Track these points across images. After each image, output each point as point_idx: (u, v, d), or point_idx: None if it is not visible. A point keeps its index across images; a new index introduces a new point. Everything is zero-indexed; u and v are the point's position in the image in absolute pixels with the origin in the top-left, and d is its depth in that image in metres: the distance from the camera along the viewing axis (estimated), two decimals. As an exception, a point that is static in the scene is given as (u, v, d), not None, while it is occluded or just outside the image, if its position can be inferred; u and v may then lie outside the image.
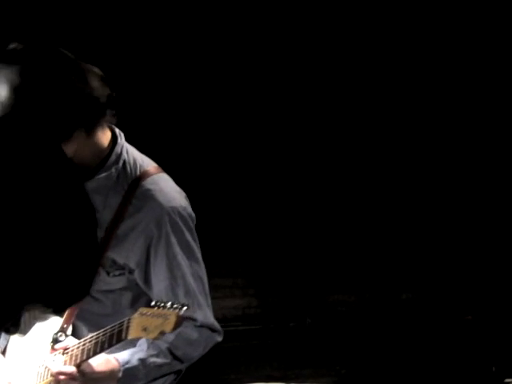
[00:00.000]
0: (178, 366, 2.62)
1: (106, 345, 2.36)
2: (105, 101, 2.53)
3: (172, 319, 2.23)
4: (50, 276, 2.62)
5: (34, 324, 2.67)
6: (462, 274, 7.84)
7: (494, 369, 6.38)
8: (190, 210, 2.68)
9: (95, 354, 2.39)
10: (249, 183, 7.55)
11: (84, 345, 2.43)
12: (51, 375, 2.47)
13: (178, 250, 2.59)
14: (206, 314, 2.63)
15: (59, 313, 2.63)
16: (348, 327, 7.56)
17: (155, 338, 2.27)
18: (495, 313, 7.36)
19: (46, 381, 2.54)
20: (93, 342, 2.39)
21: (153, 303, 2.27)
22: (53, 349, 2.54)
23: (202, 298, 2.62)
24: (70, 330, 2.58)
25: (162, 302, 2.27)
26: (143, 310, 2.27)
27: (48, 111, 2.43)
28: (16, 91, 2.41)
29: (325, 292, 7.83)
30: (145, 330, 2.25)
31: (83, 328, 2.59)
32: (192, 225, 2.66)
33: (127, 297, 2.65)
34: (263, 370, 6.83)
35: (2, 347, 2.71)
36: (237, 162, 7.53)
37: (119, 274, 2.60)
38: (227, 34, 7.26)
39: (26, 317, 2.69)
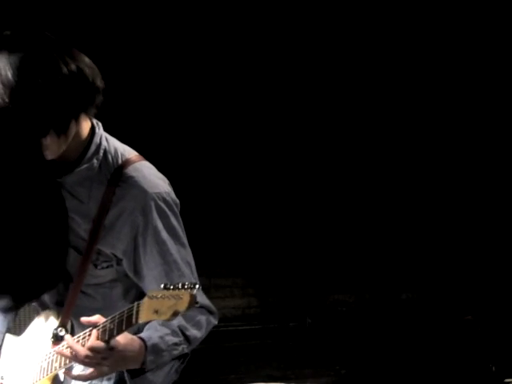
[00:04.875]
0: (187, 348, 2.58)
1: (115, 331, 2.32)
2: (99, 84, 2.50)
3: (186, 298, 2.20)
4: (26, 272, 2.61)
5: (28, 323, 2.66)
6: (462, 274, 7.84)
7: (493, 369, 6.38)
8: (173, 195, 2.63)
9: (104, 342, 2.35)
10: (249, 184, 7.55)
11: (90, 335, 2.39)
12: (79, 356, 2.38)
13: (166, 235, 2.56)
14: (201, 296, 2.59)
15: (50, 309, 2.62)
16: (348, 327, 7.57)
17: (168, 319, 2.23)
18: (495, 313, 7.36)
19: (50, 375, 2.52)
20: (100, 330, 2.36)
21: (162, 286, 2.24)
22: (54, 344, 2.52)
23: (194, 281, 2.55)
24: (69, 325, 2.57)
25: (171, 284, 2.24)
26: (152, 292, 2.24)
27: (48, 102, 2.38)
28: (15, 79, 2.35)
29: (325, 292, 7.83)
30: (156, 312, 2.22)
31: (74, 323, 2.58)
32: (177, 210, 2.62)
33: (118, 290, 2.63)
34: (263, 370, 6.83)
35: None
36: (237, 163, 7.53)
37: (107, 266, 2.58)
38: (227, 34, 7.26)
39: (20, 315, 2.68)
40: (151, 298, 2.23)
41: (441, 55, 7.68)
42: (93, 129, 2.59)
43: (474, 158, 7.88)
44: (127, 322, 2.29)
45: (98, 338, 2.36)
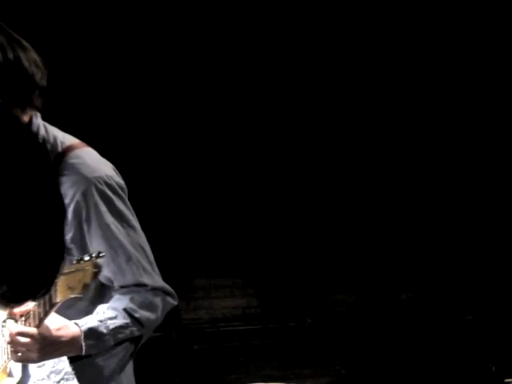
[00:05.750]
0: (140, 331, 2.55)
1: (43, 314, 2.32)
2: (39, 80, 2.48)
3: (90, 269, 2.21)
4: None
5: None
6: (462, 274, 7.84)
7: (493, 369, 6.38)
8: (117, 178, 2.59)
9: (35, 327, 2.35)
10: (249, 184, 7.55)
11: (25, 321, 2.39)
12: (8, 341, 2.38)
13: (110, 219, 2.53)
14: (153, 278, 2.57)
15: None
16: (348, 327, 7.57)
17: (80, 293, 2.24)
18: (495, 313, 7.36)
19: (1, 368, 2.49)
20: (30, 316, 2.35)
21: (73, 260, 2.23)
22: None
23: (146, 264, 2.57)
24: (18, 317, 2.51)
25: (80, 257, 2.24)
26: (64, 269, 2.21)
27: None
28: None
29: (325, 292, 7.83)
30: (70, 288, 2.23)
31: None
32: (122, 193, 2.58)
33: None
34: (263, 370, 6.83)
35: None
36: (238, 163, 7.53)
37: None
38: (227, 34, 7.26)
39: None
40: (63, 274, 2.21)
41: (441, 55, 7.68)
42: (30, 120, 2.56)
43: (474, 158, 7.88)
44: (49, 304, 2.28)
45: (28, 324, 2.36)
